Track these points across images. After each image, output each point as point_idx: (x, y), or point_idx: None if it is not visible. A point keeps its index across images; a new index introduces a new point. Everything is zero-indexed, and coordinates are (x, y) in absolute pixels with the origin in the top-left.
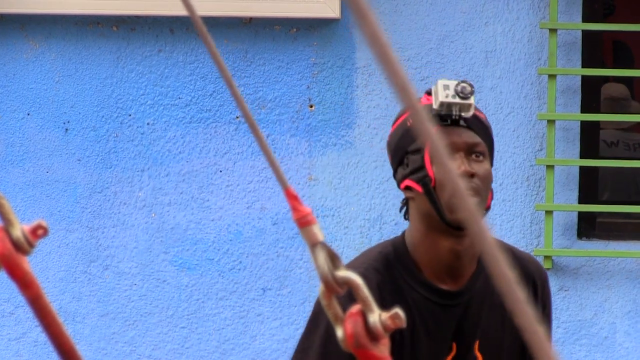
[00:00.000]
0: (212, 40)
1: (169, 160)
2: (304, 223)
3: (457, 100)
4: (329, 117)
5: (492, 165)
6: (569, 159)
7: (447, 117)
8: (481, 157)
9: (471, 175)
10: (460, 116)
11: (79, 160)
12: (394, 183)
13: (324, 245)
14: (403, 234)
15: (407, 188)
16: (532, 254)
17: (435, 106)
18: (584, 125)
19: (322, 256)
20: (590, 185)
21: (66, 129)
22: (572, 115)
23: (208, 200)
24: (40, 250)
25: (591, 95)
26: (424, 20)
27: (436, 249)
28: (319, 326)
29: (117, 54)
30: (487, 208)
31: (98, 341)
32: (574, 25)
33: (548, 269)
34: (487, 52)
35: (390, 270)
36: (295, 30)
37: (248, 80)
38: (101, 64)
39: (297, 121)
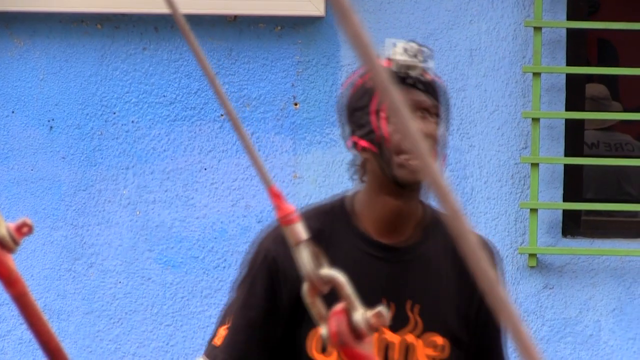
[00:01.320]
0: (196, 38)
1: (154, 158)
2: (287, 222)
3: (415, 62)
4: (313, 115)
5: (447, 130)
6: (554, 157)
7: (404, 79)
8: (436, 119)
9: (426, 135)
10: (417, 78)
11: (63, 158)
12: None
13: (308, 244)
14: (354, 190)
15: (359, 147)
16: (517, 252)
17: (394, 68)
18: (569, 123)
19: (305, 254)
20: (574, 184)
21: (51, 127)
22: (557, 114)
23: (193, 198)
24: (24, 248)
25: (576, 93)
26: (408, 18)
27: (381, 206)
28: (247, 276)
29: (101, 52)
30: None
31: (83, 339)
32: (559, 23)
33: (533, 267)
34: (471, 50)
35: (330, 219)
36: (279, 28)
37: (232, 78)
38: (86, 62)
39: (281, 119)
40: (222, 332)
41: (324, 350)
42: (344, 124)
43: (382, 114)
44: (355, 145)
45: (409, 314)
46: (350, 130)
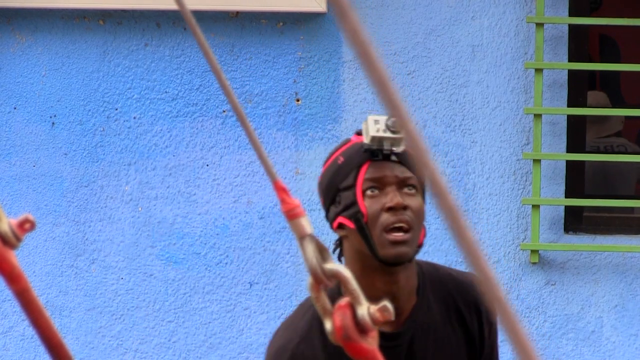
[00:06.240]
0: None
1: (156, 154)
2: (292, 215)
3: (388, 134)
4: (315, 111)
5: (425, 201)
6: (556, 153)
7: (378, 152)
8: (413, 191)
9: (404, 208)
10: (391, 151)
11: (65, 154)
12: None
13: (313, 238)
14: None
15: (340, 226)
16: (519, 248)
17: (366, 140)
18: (571, 119)
19: (310, 249)
20: (576, 180)
21: (53, 123)
22: (559, 110)
23: (195, 194)
24: (26, 244)
25: (578, 89)
26: (410, 14)
27: (371, 292)
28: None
29: (103, 47)
30: (420, 245)
31: (85, 335)
32: (561, 19)
33: (535, 263)
34: (473, 47)
35: (320, 330)
36: (281, 24)
37: (234, 74)
38: (88, 58)
39: (283, 115)
40: None
41: None
42: (324, 202)
43: (368, 193)
44: (332, 222)
45: None
46: (327, 208)
